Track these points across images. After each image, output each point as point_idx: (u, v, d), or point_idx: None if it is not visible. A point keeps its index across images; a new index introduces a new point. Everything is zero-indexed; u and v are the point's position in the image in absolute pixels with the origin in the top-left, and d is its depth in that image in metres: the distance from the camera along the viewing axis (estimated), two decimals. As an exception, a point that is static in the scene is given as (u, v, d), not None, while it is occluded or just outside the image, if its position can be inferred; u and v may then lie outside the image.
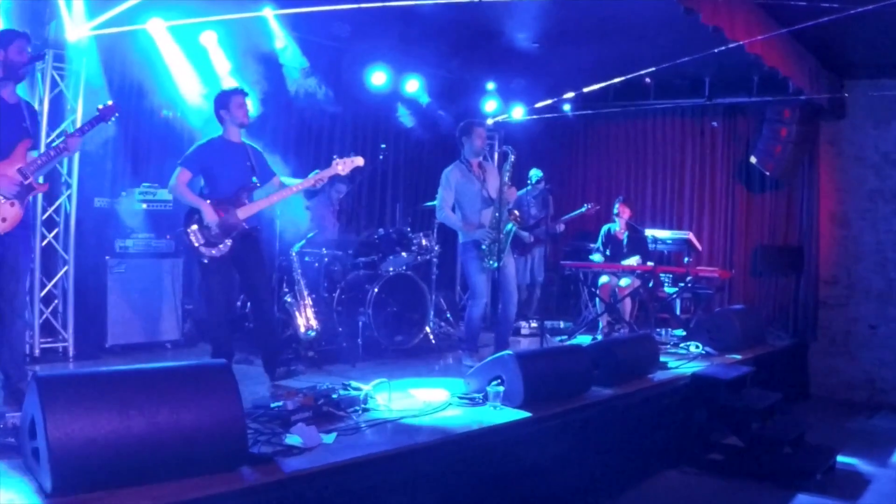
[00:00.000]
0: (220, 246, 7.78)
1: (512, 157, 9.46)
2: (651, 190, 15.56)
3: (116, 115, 7.14)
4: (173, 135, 10.74)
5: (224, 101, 8.03)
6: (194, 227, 7.76)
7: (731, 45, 9.18)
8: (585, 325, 12.63)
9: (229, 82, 10.11)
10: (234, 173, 7.93)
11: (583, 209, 13.73)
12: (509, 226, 9.51)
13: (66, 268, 9.29)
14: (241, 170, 7.97)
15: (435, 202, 9.85)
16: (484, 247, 9.41)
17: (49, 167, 7.02)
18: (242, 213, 7.84)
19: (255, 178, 8.01)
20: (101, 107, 7.11)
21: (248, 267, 8.01)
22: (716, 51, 9.21)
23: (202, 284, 8.14)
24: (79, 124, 9.03)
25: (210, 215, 7.72)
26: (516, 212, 9.69)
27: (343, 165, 8.14)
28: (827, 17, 7.93)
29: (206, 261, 7.78)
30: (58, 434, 4.22)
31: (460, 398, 7.31)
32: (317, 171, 8.14)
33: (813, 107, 12.96)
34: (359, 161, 8.23)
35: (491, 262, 9.38)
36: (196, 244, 7.75)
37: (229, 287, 8.37)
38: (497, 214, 9.42)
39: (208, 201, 7.79)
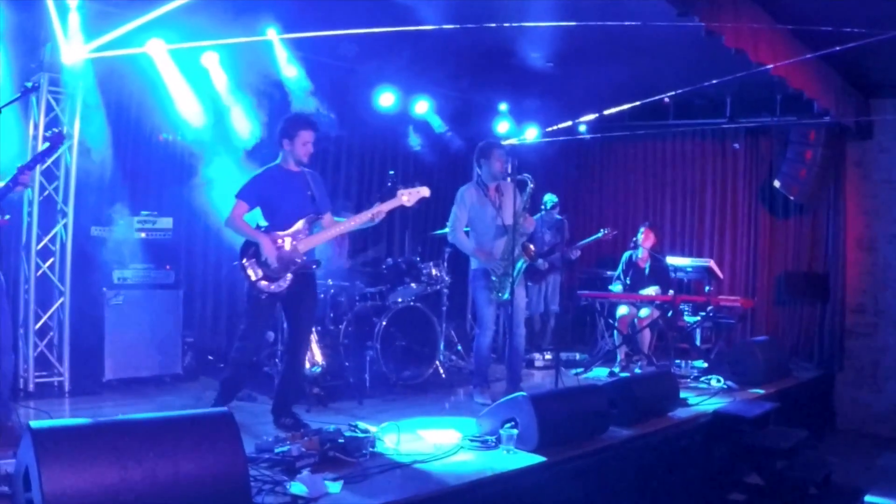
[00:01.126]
0: (280, 281, 7.63)
1: (531, 186, 9.41)
2: (670, 214, 15.54)
3: (65, 142, 7.13)
4: (173, 160, 10.78)
5: (290, 132, 7.84)
6: (251, 260, 7.62)
7: (754, 70, 9.16)
8: (602, 357, 12.55)
9: (231, 103, 10.10)
10: (294, 204, 7.78)
11: (599, 234, 13.70)
12: (520, 262, 9.46)
13: (61, 299, 9.28)
14: (301, 200, 7.81)
15: (445, 230, 9.82)
16: (494, 278, 9.39)
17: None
18: (304, 245, 7.70)
19: (317, 209, 7.89)
20: (47, 134, 7.13)
21: (300, 306, 7.82)
22: (740, 75, 9.20)
23: (247, 313, 7.92)
24: (75, 149, 9.11)
25: (269, 249, 7.57)
26: (531, 246, 9.67)
27: (409, 196, 7.86)
28: (854, 43, 7.91)
29: (264, 296, 7.63)
30: (53, 488, 4.21)
31: (472, 440, 7.27)
32: (378, 203, 7.95)
33: (839, 128, 12.96)
34: (425, 192, 7.97)
35: (501, 294, 9.35)
36: (254, 278, 7.60)
37: (269, 327, 8.32)
38: (511, 244, 9.31)
39: (266, 235, 7.67)
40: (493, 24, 9.17)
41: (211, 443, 4.77)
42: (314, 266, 7.86)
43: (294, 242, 7.69)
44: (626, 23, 8.45)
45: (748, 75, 9.51)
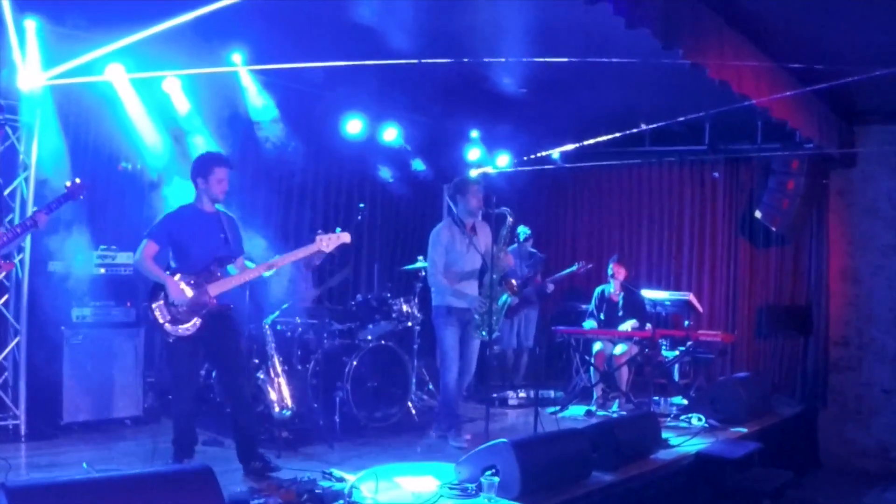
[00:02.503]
0: (188, 325, 7.66)
1: (510, 220, 9.54)
2: (647, 245, 15.65)
3: (85, 191, 7.23)
4: (133, 190, 10.77)
5: (202, 170, 7.92)
6: (159, 302, 7.65)
7: (738, 104, 9.29)
8: (578, 395, 12.57)
9: (196, 137, 10.15)
10: (206, 245, 7.84)
11: (573, 268, 13.83)
12: (504, 297, 9.58)
13: (17, 338, 9.26)
14: (213, 241, 7.88)
15: (416, 265, 9.89)
16: (477, 317, 9.49)
17: (14, 245, 7.03)
18: (214, 289, 7.74)
19: (229, 251, 7.96)
20: (69, 184, 7.24)
21: (219, 349, 7.91)
22: (723, 109, 9.34)
23: (168, 362, 8.04)
24: (32, 180, 9.11)
25: (176, 292, 7.62)
26: (513, 280, 9.77)
27: (328, 242, 7.95)
28: (843, 80, 8.07)
29: (171, 340, 7.68)
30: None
31: (451, 488, 7.31)
32: (301, 248, 8.04)
33: (822, 156, 13.07)
34: (345, 238, 8.04)
35: (482, 332, 9.46)
36: (161, 321, 7.64)
37: (196, 366, 8.34)
38: (490, 281, 9.43)
39: (176, 276, 7.72)
40: (466, 60, 9.23)
41: (191, 502, 4.83)
42: (227, 310, 7.94)
43: (206, 285, 7.74)
44: (604, 59, 8.58)
45: (728, 100, 9.64)
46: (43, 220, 7.05)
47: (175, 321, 7.64)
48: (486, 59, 9.86)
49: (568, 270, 13.92)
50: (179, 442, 7.82)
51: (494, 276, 9.48)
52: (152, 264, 7.75)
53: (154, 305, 7.67)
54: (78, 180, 7.33)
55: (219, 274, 7.83)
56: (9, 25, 8.70)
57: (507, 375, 13.34)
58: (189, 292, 7.67)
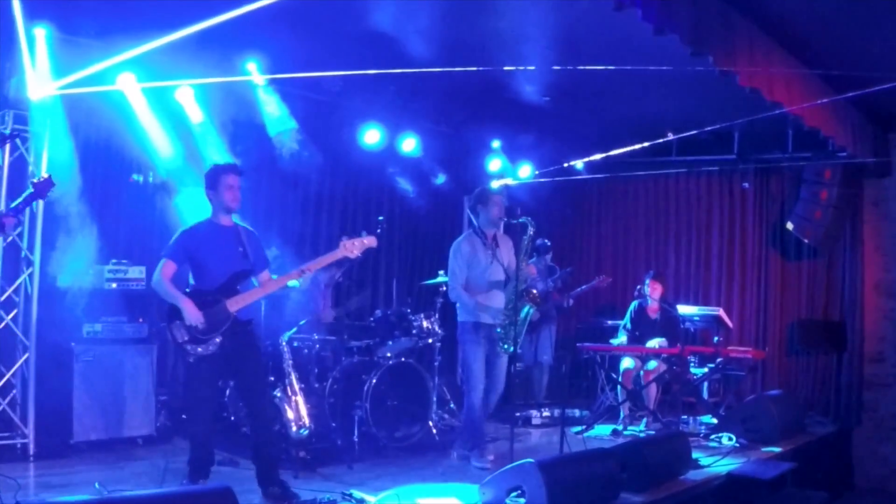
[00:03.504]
0: (209, 344, 7.64)
1: (531, 230, 9.53)
2: (674, 258, 15.63)
3: (53, 188, 7.21)
4: (145, 203, 10.84)
5: (212, 180, 7.94)
6: (176, 322, 7.63)
7: (769, 112, 9.28)
8: (604, 414, 12.53)
9: (210, 148, 10.18)
10: (224, 260, 7.83)
11: (593, 282, 13.84)
12: (526, 308, 9.60)
13: (26, 355, 9.28)
14: (231, 256, 7.88)
15: (436, 280, 9.90)
16: (499, 330, 9.51)
17: None
18: (233, 304, 7.73)
19: (249, 266, 7.94)
20: (35, 181, 7.21)
21: (240, 367, 7.89)
22: (755, 118, 9.33)
23: (186, 382, 8.01)
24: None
25: (191, 314, 7.58)
26: (534, 291, 9.76)
27: (353, 247, 7.95)
28: (879, 87, 8.03)
29: (191, 360, 7.66)
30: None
31: (476, 509, 7.35)
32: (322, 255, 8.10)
33: (856, 165, 12.98)
34: (371, 242, 8.07)
35: (506, 345, 9.47)
36: (181, 341, 7.63)
37: (216, 386, 8.36)
38: (513, 294, 9.47)
39: (189, 299, 7.66)
40: (488, 68, 9.22)
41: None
42: (247, 325, 7.92)
43: (224, 301, 7.72)
44: (632, 67, 8.57)
45: (758, 108, 9.64)
46: (10, 223, 7.04)
47: (195, 340, 7.62)
48: (506, 68, 9.83)
49: (588, 286, 13.94)
50: (196, 462, 7.81)
51: (519, 287, 9.49)
52: (170, 285, 7.71)
53: (172, 325, 7.66)
54: (45, 175, 7.27)
55: (238, 288, 7.81)
56: (20, 33, 8.70)
57: (530, 393, 13.32)
58: (212, 307, 7.65)
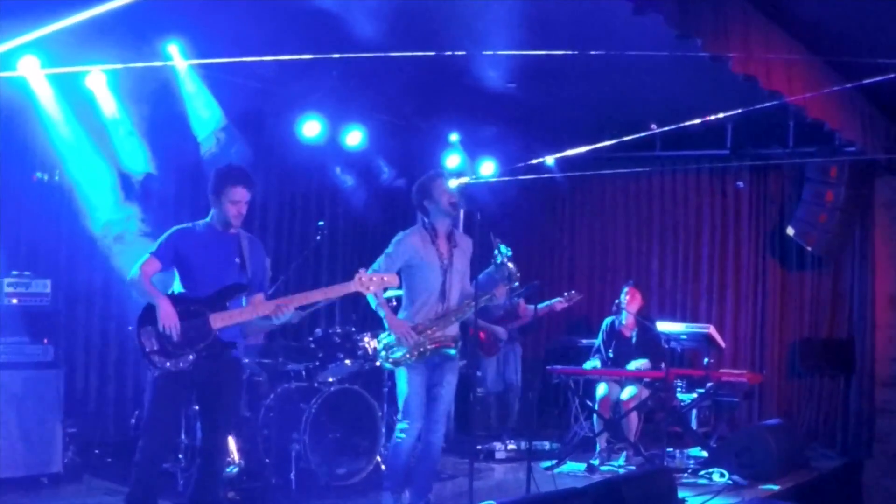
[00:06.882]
0: (180, 360, 7.42)
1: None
2: (658, 268, 15.71)
3: None
4: (51, 204, 10.77)
5: (214, 187, 7.79)
6: (148, 327, 7.43)
7: (769, 103, 9.34)
8: (577, 447, 12.53)
9: (124, 142, 10.18)
10: (217, 270, 7.68)
11: (555, 300, 13.64)
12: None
13: (-88, 382, 9.22)
14: (226, 267, 7.73)
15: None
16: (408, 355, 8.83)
17: None
18: (218, 321, 7.50)
19: (244, 280, 7.76)
20: None
21: (212, 397, 7.76)
22: (750, 109, 9.39)
23: (147, 401, 7.76)
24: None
25: (166, 316, 7.37)
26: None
27: (370, 283, 7.93)
28: (892, 74, 8.06)
29: (155, 374, 7.46)
30: None
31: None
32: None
33: (866, 162, 13.12)
34: (392, 281, 8.11)
35: (408, 356, 8.78)
36: (147, 350, 7.43)
37: (179, 412, 8.34)
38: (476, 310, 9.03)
39: (167, 298, 7.51)
40: (445, 53, 9.26)
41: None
42: (229, 348, 7.72)
43: (209, 314, 7.51)
44: (611, 51, 8.63)
45: (754, 97, 9.72)
46: None
47: (164, 352, 7.40)
48: (453, 52, 9.85)
49: (550, 302, 13.65)
50: (136, 495, 7.56)
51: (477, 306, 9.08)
52: (148, 282, 7.55)
53: (142, 329, 7.47)
54: None
55: (227, 304, 7.62)
56: None
57: (492, 424, 13.35)
58: (193, 317, 7.48)
